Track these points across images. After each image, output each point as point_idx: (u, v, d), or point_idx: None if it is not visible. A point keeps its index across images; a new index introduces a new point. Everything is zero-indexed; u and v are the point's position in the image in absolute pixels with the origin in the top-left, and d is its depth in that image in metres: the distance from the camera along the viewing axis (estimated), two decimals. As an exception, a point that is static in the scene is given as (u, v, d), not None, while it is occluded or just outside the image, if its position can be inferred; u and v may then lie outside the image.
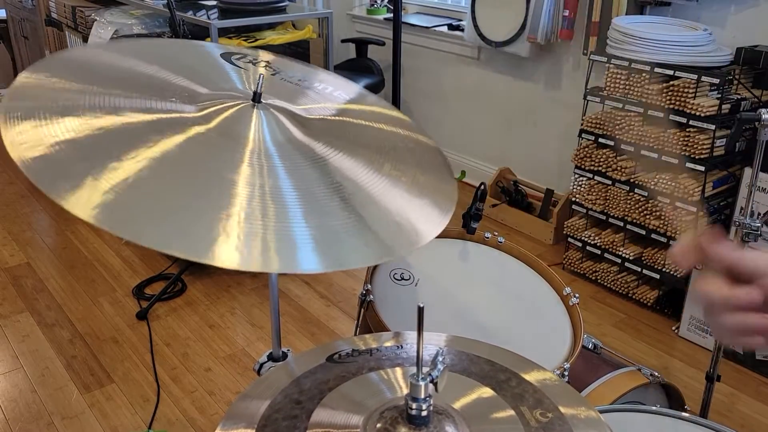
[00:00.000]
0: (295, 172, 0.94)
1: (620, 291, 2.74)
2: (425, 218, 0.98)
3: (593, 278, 2.83)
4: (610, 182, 2.65)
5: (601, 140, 2.66)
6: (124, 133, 0.91)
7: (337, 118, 1.15)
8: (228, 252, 0.78)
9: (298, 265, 0.81)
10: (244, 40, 2.95)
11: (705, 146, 2.36)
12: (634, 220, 2.60)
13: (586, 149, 2.71)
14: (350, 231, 0.88)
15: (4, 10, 4.84)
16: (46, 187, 0.79)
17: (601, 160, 2.65)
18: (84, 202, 0.78)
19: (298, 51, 3.21)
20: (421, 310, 0.72)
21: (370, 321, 1.39)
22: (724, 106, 2.34)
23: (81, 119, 0.91)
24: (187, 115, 0.99)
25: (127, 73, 1.08)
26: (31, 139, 0.85)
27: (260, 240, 0.81)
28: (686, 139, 2.39)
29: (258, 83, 1.06)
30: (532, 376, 0.86)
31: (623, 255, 2.66)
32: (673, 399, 1.66)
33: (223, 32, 3.00)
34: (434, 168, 1.13)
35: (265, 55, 1.32)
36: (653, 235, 2.55)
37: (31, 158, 0.82)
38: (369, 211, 0.93)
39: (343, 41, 4.13)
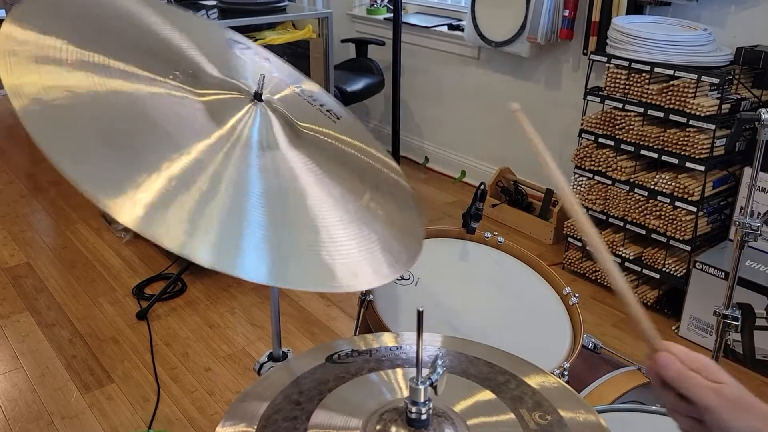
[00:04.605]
0: (268, 174, 0.91)
1: (620, 291, 2.74)
2: (391, 258, 0.94)
3: (593, 278, 2.83)
4: (610, 182, 2.65)
5: (601, 140, 2.66)
6: (108, 67, 0.87)
7: (330, 141, 1.14)
8: (133, 210, 0.73)
9: (237, 268, 0.77)
10: (244, 40, 2.94)
11: (705, 146, 2.36)
12: (634, 220, 2.60)
13: (586, 149, 2.71)
14: (307, 251, 0.84)
15: (3, 11, 4.83)
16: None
17: (601, 160, 2.65)
18: (21, 96, 0.75)
19: (298, 51, 3.21)
20: (420, 314, 0.72)
21: (370, 321, 1.39)
22: (724, 106, 2.34)
23: (83, 74, 0.87)
24: (182, 85, 0.96)
25: (147, 32, 1.04)
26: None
27: (187, 217, 0.77)
28: (686, 139, 2.39)
29: (259, 83, 1.06)
30: (531, 378, 0.86)
31: (623, 255, 2.66)
32: (673, 399, 1.66)
33: (223, 32, 3.00)
34: (409, 214, 1.10)
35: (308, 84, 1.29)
36: (653, 235, 2.55)
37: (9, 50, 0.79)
38: (334, 235, 0.90)
39: (343, 41, 4.13)
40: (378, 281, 0.90)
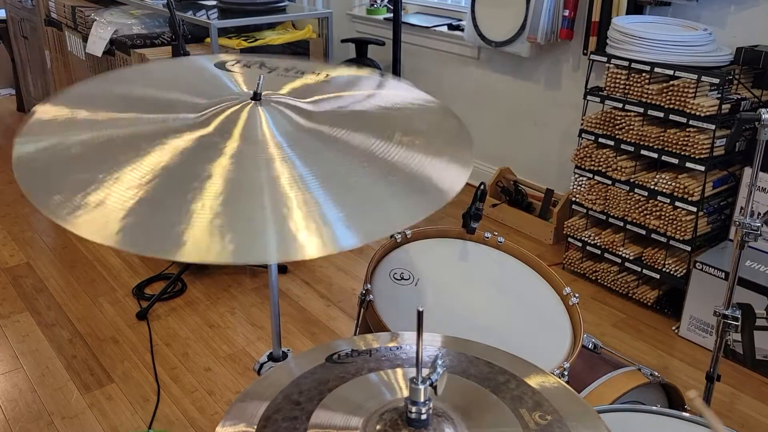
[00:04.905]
0: (311, 156, 0.97)
1: (620, 291, 2.74)
2: (447, 174, 1.00)
3: (593, 278, 2.83)
4: (610, 182, 2.65)
5: (601, 140, 2.66)
6: (167, 184, 0.92)
7: (336, 107, 1.16)
8: (283, 248, 0.81)
9: (337, 243, 0.83)
10: (244, 40, 2.95)
11: (705, 146, 2.36)
12: (634, 220, 2.60)
13: (586, 149, 2.71)
14: (377, 200, 0.90)
15: (3, 10, 4.83)
16: (52, 213, 0.81)
17: (601, 160, 2.65)
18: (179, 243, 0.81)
19: (298, 51, 3.21)
20: (420, 314, 0.72)
21: (370, 321, 1.39)
22: (724, 106, 2.34)
23: (116, 179, 0.92)
24: (198, 133, 1.00)
25: (127, 102, 1.10)
26: (96, 222, 0.85)
27: (306, 228, 0.84)
28: (686, 139, 2.39)
29: (258, 83, 1.07)
30: (531, 378, 0.86)
31: (623, 255, 2.66)
32: (673, 399, 1.66)
33: (223, 32, 3.00)
34: (445, 124, 1.14)
35: (256, 57, 1.33)
36: (653, 235, 2.55)
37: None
38: (393, 178, 0.95)
39: (343, 41, 4.13)
40: (459, 181, 0.97)
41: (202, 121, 1.02)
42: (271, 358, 1.31)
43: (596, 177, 2.70)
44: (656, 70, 2.42)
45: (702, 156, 2.37)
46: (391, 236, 1.55)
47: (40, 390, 2.20)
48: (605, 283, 2.79)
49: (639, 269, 2.63)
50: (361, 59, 4.04)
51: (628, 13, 2.72)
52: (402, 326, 1.32)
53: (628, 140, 2.56)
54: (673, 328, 2.56)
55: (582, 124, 2.71)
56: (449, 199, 0.94)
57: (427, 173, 0.98)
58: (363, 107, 1.15)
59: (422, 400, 0.73)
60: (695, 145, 2.37)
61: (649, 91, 2.45)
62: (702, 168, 2.38)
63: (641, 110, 2.49)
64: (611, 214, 2.68)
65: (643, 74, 2.47)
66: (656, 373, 1.59)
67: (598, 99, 2.64)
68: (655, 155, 2.49)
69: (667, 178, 2.46)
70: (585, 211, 2.78)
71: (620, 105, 2.55)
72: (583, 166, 2.73)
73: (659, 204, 2.51)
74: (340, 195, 0.90)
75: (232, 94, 1.13)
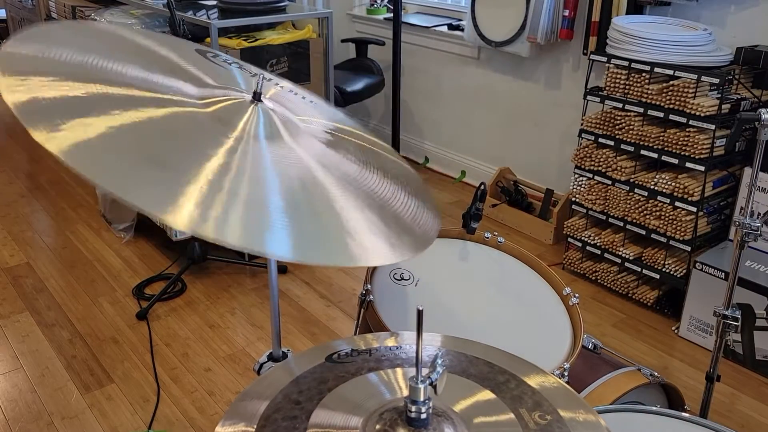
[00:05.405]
0: (281, 163, 0.96)
1: (620, 291, 2.74)
2: (405, 236, 0.98)
3: (593, 278, 2.83)
4: (610, 182, 2.65)
5: (601, 140, 2.66)
6: (122, 97, 0.94)
7: (329, 131, 1.17)
8: (185, 214, 0.80)
9: (265, 245, 0.82)
10: (244, 40, 2.95)
11: (705, 146, 2.36)
12: (634, 220, 2.60)
13: (586, 149, 2.71)
14: (328, 231, 0.89)
15: (4, 10, 4.84)
16: (28, 122, 0.81)
17: (601, 160, 2.65)
18: (59, 139, 0.81)
19: (298, 51, 3.20)
20: (420, 313, 0.72)
21: (370, 321, 1.39)
22: (724, 106, 2.34)
23: (86, 84, 0.94)
24: (185, 98, 1.02)
25: (143, 51, 1.12)
26: (30, 87, 0.87)
27: (224, 211, 0.83)
28: (686, 139, 2.39)
29: (258, 83, 1.07)
30: (531, 378, 0.86)
31: (623, 255, 2.66)
32: (673, 399, 1.67)
33: (223, 32, 3.00)
34: (420, 192, 1.14)
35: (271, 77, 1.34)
36: (653, 235, 2.55)
37: (24, 101, 0.84)
38: (349, 216, 0.94)
39: (343, 41, 4.13)
40: (394, 257, 0.92)
41: (199, 100, 1.04)
42: (271, 358, 1.31)
43: (596, 177, 2.70)
44: (656, 70, 2.42)
45: (702, 156, 2.37)
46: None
47: (40, 390, 2.20)
48: (605, 283, 2.79)
49: (639, 269, 2.63)
50: (360, 59, 4.05)
51: (628, 13, 2.72)
52: (402, 326, 1.32)
53: (628, 140, 2.56)
54: (673, 328, 2.56)
55: (582, 124, 2.71)
56: (368, 264, 0.91)
57: (388, 226, 0.96)
58: (352, 143, 1.15)
59: (422, 399, 0.73)
60: (695, 145, 2.37)
61: (649, 91, 2.45)
62: (702, 168, 2.38)
63: (641, 110, 2.49)
64: (611, 214, 2.68)
65: (643, 74, 2.47)
66: (656, 374, 1.59)
67: (598, 99, 2.64)
68: (655, 155, 2.49)
69: (667, 178, 2.46)
70: (585, 211, 2.78)
71: (620, 105, 2.55)
72: (583, 166, 2.73)
73: (659, 204, 2.51)
74: (291, 209, 0.88)
75: (238, 88, 1.14)
